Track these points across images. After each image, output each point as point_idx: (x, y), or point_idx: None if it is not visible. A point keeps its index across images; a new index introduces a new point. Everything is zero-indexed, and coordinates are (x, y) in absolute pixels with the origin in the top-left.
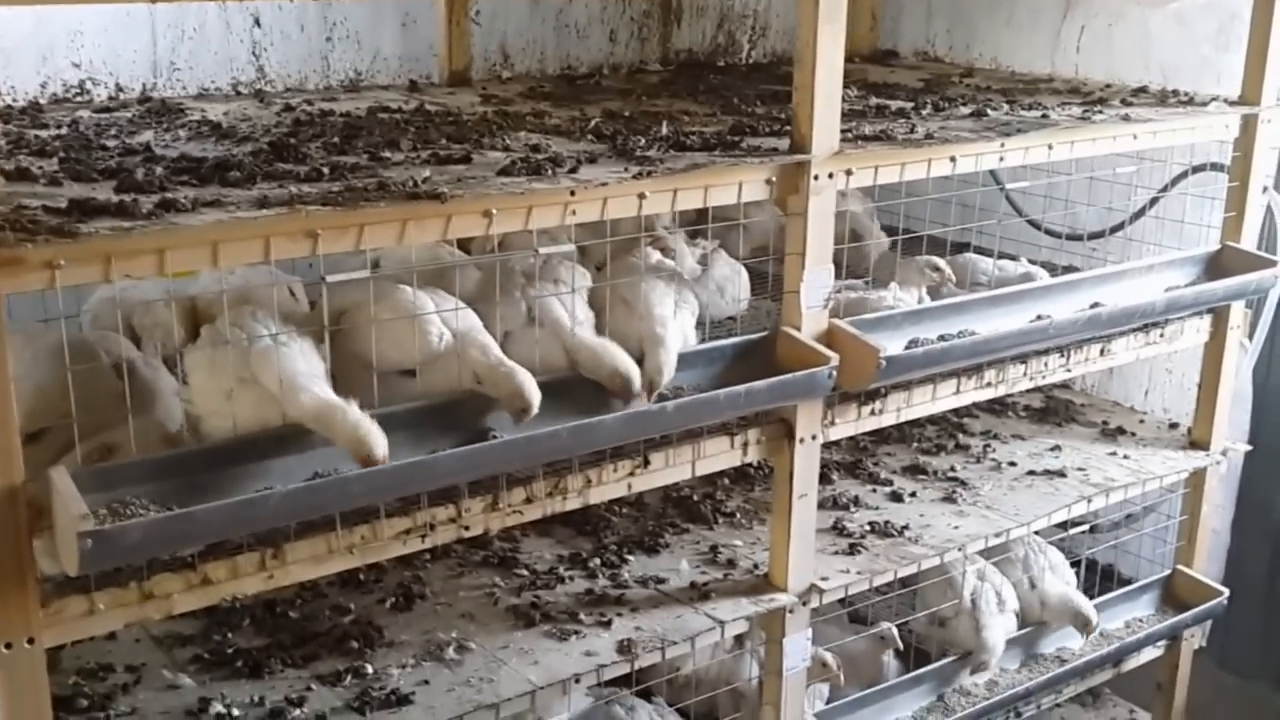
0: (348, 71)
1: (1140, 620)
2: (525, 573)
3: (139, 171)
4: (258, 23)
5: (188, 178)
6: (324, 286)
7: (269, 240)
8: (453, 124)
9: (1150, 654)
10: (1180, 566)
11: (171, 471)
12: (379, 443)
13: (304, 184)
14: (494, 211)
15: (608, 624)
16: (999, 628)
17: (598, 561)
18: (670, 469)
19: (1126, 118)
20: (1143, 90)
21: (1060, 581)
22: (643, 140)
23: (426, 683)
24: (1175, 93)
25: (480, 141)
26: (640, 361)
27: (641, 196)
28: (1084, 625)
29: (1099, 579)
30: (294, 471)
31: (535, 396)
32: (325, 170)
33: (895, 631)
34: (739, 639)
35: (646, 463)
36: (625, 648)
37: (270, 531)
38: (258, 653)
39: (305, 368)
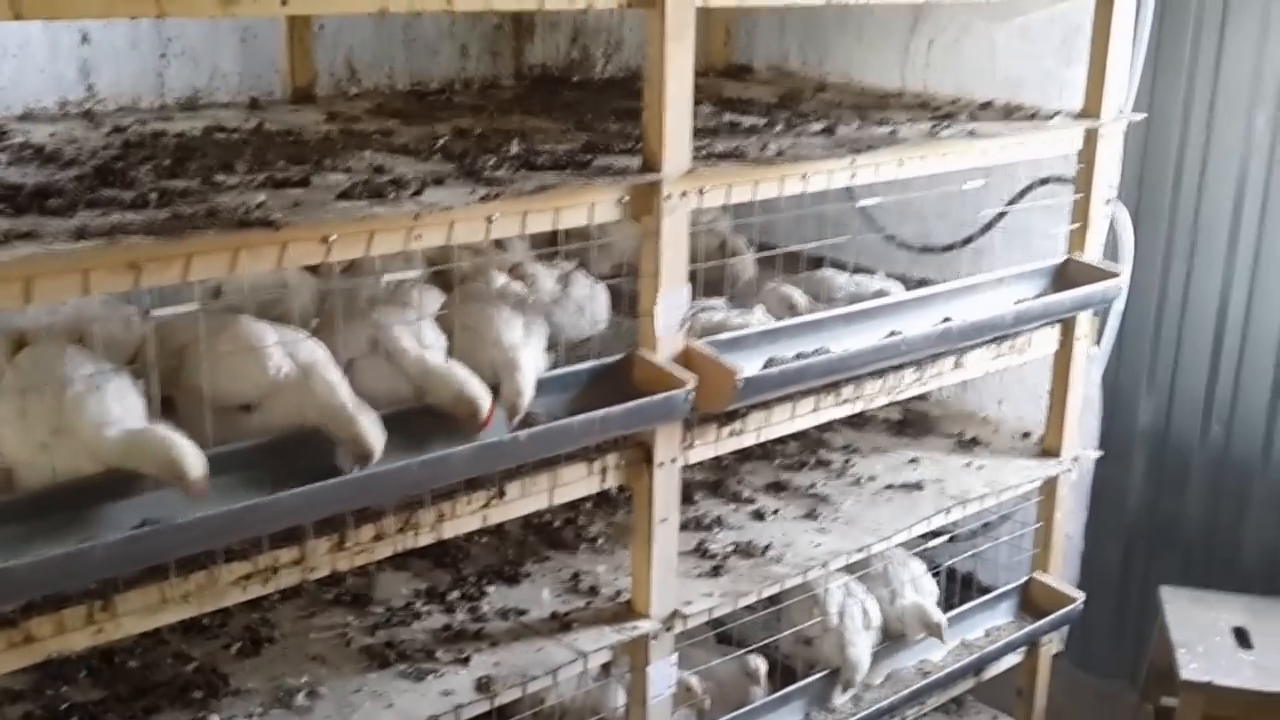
0: (184, 89)
1: (999, 628)
2: (379, 610)
3: None
4: (85, 39)
5: (3, 206)
6: (150, 323)
7: (88, 274)
8: (293, 144)
9: (1010, 661)
10: (1036, 573)
11: None
12: (194, 463)
13: (129, 212)
14: (332, 238)
15: (466, 661)
16: (864, 644)
17: (456, 594)
18: (527, 498)
19: (973, 133)
20: (989, 105)
21: (916, 592)
22: (492, 160)
23: None
24: (1020, 107)
25: (321, 163)
26: (496, 389)
27: (489, 219)
28: (935, 630)
29: (960, 587)
30: (123, 518)
31: (378, 443)
32: (153, 196)
33: (762, 667)
34: (605, 667)
35: (502, 493)
36: (484, 685)
37: (99, 581)
38: (94, 707)
39: (120, 412)
